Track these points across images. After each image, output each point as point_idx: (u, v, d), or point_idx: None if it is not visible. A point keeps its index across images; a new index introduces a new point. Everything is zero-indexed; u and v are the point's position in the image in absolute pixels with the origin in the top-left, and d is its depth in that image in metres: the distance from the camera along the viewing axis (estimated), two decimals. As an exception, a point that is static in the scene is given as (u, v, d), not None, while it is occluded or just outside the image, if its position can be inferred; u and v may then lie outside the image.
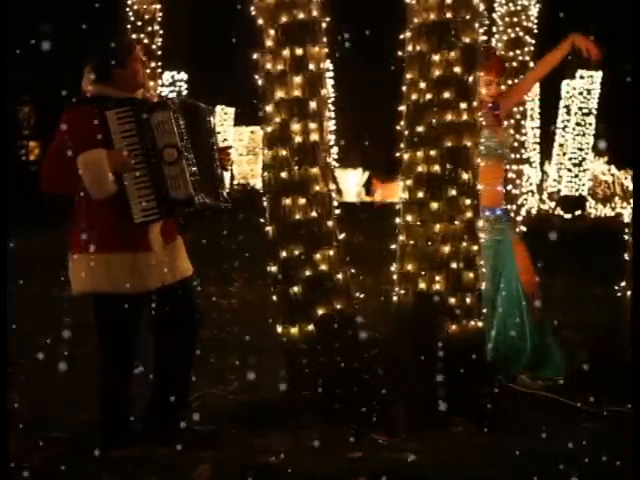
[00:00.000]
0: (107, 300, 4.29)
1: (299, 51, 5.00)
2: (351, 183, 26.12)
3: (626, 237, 5.45)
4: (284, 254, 5.00)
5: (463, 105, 4.95)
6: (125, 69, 4.38)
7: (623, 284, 5.36)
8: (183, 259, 4.54)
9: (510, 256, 5.68)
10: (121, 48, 4.42)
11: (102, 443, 4.23)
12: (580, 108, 21.27)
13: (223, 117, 22.77)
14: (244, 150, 24.28)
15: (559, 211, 21.03)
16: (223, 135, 20.46)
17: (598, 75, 20.50)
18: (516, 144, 11.51)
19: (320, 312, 4.94)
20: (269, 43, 5.05)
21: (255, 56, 5.13)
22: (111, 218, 4.25)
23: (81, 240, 4.28)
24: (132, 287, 4.26)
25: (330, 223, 5.06)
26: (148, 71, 4.69)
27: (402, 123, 5.10)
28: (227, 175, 4.78)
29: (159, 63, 13.92)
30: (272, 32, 5.03)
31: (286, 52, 5.00)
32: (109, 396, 4.33)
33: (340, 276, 5.03)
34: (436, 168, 4.95)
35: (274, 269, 5.07)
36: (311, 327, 4.94)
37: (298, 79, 5.00)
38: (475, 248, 5.00)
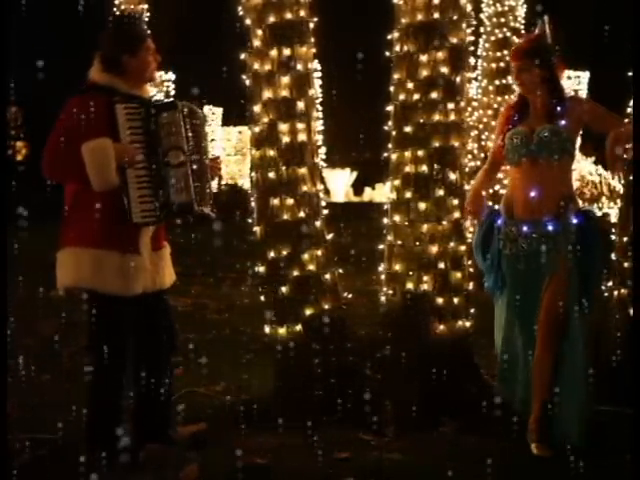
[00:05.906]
0: (99, 298, 4.16)
1: (287, 51, 5.00)
2: (339, 183, 26.16)
3: (613, 237, 5.45)
4: (272, 254, 5.00)
5: (450, 105, 4.97)
6: (135, 58, 4.21)
7: (610, 284, 5.36)
8: (168, 269, 4.42)
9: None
10: (133, 35, 4.24)
11: (89, 443, 4.17)
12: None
13: (211, 117, 22.73)
14: (232, 150, 24.23)
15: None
16: (211, 135, 20.41)
17: (585, 75, 20.57)
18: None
19: (308, 312, 4.94)
20: (257, 43, 5.05)
21: (243, 56, 5.12)
22: (106, 214, 4.08)
23: (73, 234, 4.15)
24: (117, 288, 4.13)
25: (318, 223, 5.06)
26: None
27: (390, 123, 5.11)
28: (214, 184, 4.59)
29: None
30: (260, 32, 5.03)
31: (274, 52, 5.01)
32: (99, 396, 4.19)
33: (328, 276, 5.03)
34: (424, 168, 4.97)
35: (262, 269, 5.07)
36: (299, 327, 4.94)
37: (286, 79, 5.01)
38: (463, 248, 5.02)
